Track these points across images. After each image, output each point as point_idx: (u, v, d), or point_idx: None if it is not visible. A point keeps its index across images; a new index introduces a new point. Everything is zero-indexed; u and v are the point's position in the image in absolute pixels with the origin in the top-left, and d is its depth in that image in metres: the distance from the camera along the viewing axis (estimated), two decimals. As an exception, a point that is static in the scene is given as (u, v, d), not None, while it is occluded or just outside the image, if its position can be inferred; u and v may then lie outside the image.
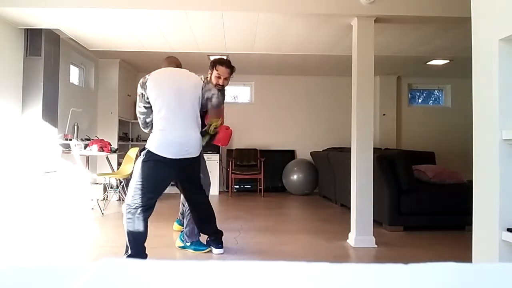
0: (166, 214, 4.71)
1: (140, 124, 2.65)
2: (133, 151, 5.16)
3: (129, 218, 2.49)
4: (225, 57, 3.27)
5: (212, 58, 3.25)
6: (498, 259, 1.47)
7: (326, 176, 6.15)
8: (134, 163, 2.58)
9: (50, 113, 4.49)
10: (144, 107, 2.55)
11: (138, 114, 2.61)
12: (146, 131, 2.66)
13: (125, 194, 5.09)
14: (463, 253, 3.05)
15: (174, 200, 5.93)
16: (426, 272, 0.39)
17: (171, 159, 2.52)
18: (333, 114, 7.46)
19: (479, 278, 0.39)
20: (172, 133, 2.53)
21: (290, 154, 7.32)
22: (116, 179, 5.46)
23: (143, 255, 2.53)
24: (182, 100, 2.60)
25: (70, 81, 5.35)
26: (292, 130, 7.44)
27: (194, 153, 2.64)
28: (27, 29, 4.27)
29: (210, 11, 3.64)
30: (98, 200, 5.02)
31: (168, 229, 3.79)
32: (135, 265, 0.41)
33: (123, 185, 5.15)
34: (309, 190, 6.82)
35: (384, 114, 7.23)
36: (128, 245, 2.51)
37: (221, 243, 3.02)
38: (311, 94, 7.47)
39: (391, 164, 3.99)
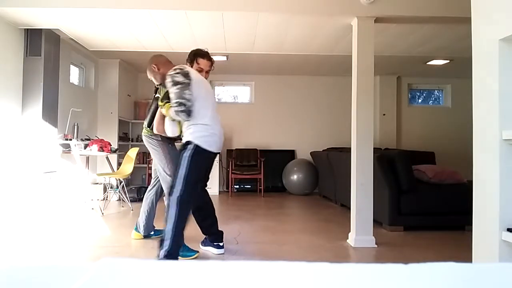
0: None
1: (184, 110, 2.49)
2: (133, 151, 5.16)
3: (182, 210, 2.49)
4: (206, 49, 3.12)
5: (213, 58, 3.18)
6: (498, 259, 1.47)
7: (326, 176, 6.15)
8: (188, 160, 2.56)
9: (50, 113, 4.49)
10: (190, 95, 2.50)
11: (183, 101, 2.47)
12: (184, 118, 2.54)
13: (125, 194, 5.10)
14: (463, 253, 3.05)
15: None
16: (426, 272, 0.39)
17: (214, 153, 2.66)
18: (333, 114, 7.46)
19: (479, 278, 0.39)
20: (215, 128, 2.65)
21: (290, 154, 7.32)
22: (116, 179, 5.45)
23: (178, 250, 2.57)
24: (213, 98, 2.79)
25: (70, 81, 5.35)
26: (292, 130, 7.44)
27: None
28: (27, 29, 4.27)
29: (210, 11, 3.64)
30: (98, 200, 5.02)
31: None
32: (135, 265, 0.41)
33: (123, 185, 5.15)
34: (309, 190, 6.82)
35: (384, 114, 7.23)
36: (170, 239, 2.45)
37: (222, 243, 3.02)
38: (311, 94, 7.47)
39: (391, 164, 3.99)
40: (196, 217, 3.00)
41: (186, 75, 2.52)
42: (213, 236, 3.02)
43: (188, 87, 2.50)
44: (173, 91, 2.49)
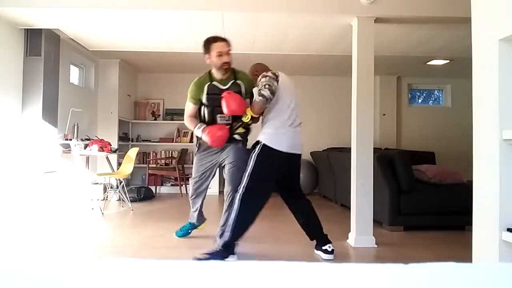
0: (166, 214, 4.71)
1: (269, 94, 2.70)
2: (133, 151, 5.15)
3: (242, 206, 2.67)
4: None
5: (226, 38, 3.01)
6: (498, 259, 1.48)
7: (326, 176, 6.15)
8: (254, 158, 2.74)
9: (50, 113, 4.49)
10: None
11: (271, 88, 2.71)
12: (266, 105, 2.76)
13: (125, 194, 5.10)
14: (463, 253, 3.04)
15: (173, 201, 5.93)
16: (426, 272, 0.39)
17: (285, 153, 2.76)
18: (333, 114, 7.45)
19: (479, 278, 0.39)
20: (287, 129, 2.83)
21: (290, 154, 7.30)
22: (116, 179, 5.45)
23: (235, 244, 2.71)
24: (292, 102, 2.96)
25: (70, 81, 5.35)
26: (292, 130, 7.42)
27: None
28: (27, 29, 4.26)
29: (210, 11, 3.64)
30: (98, 200, 5.02)
31: (168, 229, 3.78)
32: (135, 265, 0.41)
33: (123, 185, 5.15)
34: (309, 190, 6.81)
35: (384, 114, 7.23)
36: (230, 232, 2.63)
37: (330, 248, 2.96)
38: (311, 94, 7.47)
39: (391, 164, 3.99)
40: (301, 223, 3.11)
41: (276, 77, 2.88)
42: (320, 241, 3.02)
43: (274, 83, 2.84)
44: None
